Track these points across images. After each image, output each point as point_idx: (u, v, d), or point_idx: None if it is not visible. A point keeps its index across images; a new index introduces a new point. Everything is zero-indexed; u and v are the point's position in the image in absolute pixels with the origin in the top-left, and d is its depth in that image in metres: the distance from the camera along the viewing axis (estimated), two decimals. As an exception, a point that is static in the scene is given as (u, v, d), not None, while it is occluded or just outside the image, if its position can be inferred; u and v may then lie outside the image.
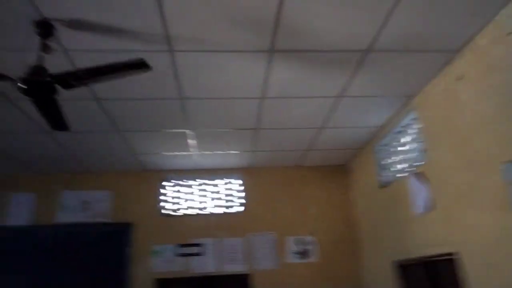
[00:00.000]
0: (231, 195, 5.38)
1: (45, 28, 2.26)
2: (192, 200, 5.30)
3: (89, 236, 4.95)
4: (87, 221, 5.02)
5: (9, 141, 4.10)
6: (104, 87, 2.97)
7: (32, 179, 5.18)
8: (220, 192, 5.39)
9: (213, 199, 5.32)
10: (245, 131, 4.17)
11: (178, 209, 5.25)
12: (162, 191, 5.30)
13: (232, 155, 4.93)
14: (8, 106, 3.32)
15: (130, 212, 5.10)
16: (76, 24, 2.33)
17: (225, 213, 5.26)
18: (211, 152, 4.78)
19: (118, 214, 5.09)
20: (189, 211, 5.24)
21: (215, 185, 5.41)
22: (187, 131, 4.07)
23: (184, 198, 5.31)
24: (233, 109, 3.63)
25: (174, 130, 4.04)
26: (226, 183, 5.43)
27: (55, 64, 2.50)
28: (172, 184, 5.37)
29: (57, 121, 2.57)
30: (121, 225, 5.01)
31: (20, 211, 5.06)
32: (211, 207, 5.28)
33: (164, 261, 4.91)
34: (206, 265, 4.94)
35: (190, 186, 5.38)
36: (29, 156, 4.56)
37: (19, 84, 2.11)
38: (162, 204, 5.23)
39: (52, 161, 4.75)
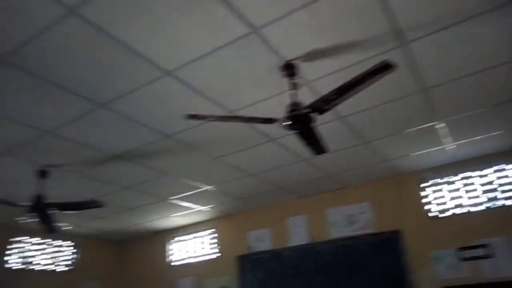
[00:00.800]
0: (508, 183, 4.48)
1: (289, 69, 2.59)
2: (459, 197, 4.73)
3: (361, 248, 5.15)
4: (355, 234, 5.26)
5: (278, 175, 4.86)
6: (342, 105, 3.12)
7: (301, 202, 5.92)
8: (493, 182, 4.59)
9: (485, 192, 4.58)
10: (506, 105, 3.44)
11: (446, 210, 4.78)
12: (422, 193, 4.98)
13: (494, 138, 4.16)
14: (271, 145, 3.96)
15: (394, 220, 5.02)
16: (312, 56, 2.57)
17: (504, 206, 4.41)
18: (468, 140, 4.18)
19: (382, 223, 5.10)
20: (459, 210, 4.68)
21: (484, 176, 4.65)
22: (435, 123, 3.72)
23: (449, 197, 4.80)
24: (484, 84, 3.08)
25: (420, 126, 3.78)
26: (496, 171, 4.58)
27: (306, 97, 2.82)
28: (431, 183, 4.97)
29: (317, 146, 2.85)
30: (389, 233, 4.97)
31: (298, 232, 5.82)
32: (485, 201, 4.54)
33: (448, 267, 4.50)
34: (501, 268, 4.20)
35: (452, 182, 4.83)
36: (293, 183, 5.24)
37: (284, 122, 2.47)
38: (427, 207, 4.90)
39: (314, 184, 5.30)
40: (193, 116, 2.42)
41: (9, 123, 3.13)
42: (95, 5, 2.05)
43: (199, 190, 5.22)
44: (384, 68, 1.97)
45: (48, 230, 4.13)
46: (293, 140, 3.82)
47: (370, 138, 3.98)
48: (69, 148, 3.66)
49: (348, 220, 5.42)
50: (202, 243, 6.95)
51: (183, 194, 5.37)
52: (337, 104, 2.32)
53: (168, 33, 2.29)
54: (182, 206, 5.91)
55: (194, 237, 7.08)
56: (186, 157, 4.12)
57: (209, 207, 6.15)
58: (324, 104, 2.31)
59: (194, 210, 6.22)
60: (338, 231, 5.44)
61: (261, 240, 6.17)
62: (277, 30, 2.33)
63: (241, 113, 3.25)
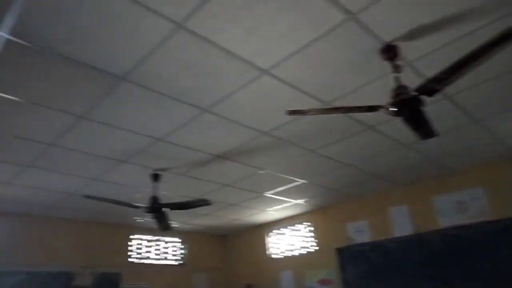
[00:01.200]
0: None
1: (390, 52, 2.46)
2: None
3: (475, 238, 4.70)
4: (467, 222, 4.82)
5: (376, 164, 4.67)
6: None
7: (403, 191, 5.62)
8: None
9: None
10: None
11: None
12: (549, 173, 4.37)
13: None
14: (369, 133, 3.81)
15: (515, 206, 4.48)
16: (413, 35, 2.41)
17: None
18: None
19: (500, 210, 4.59)
20: None
21: None
22: None
23: None
24: None
25: (546, 97, 3.30)
26: None
27: (406, 78, 2.66)
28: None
29: (426, 130, 2.67)
30: (509, 221, 4.45)
31: (401, 222, 5.53)
32: None
33: None
34: None
35: None
36: (393, 171, 4.99)
37: (390, 108, 2.36)
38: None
39: (415, 171, 4.99)
40: (294, 112, 2.44)
41: (128, 134, 3.51)
42: (199, 17, 2.18)
43: (294, 183, 5.27)
44: (508, 36, 1.75)
45: (163, 228, 4.53)
46: (393, 126, 3.64)
47: (481, 116, 3.60)
48: (177, 152, 3.98)
49: (458, 207, 4.99)
50: (300, 236, 7.02)
51: (279, 189, 5.48)
52: (450, 83, 2.14)
53: (265, 32, 2.34)
54: (278, 200, 6.03)
55: (292, 230, 7.19)
56: (282, 152, 4.19)
57: (305, 200, 6.17)
58: (435, 84, 2.14)
59: (290, 203, 6.30)
60: (447, 220, 5.05)
61: (360, 231, 6.01)
62: (375, 13, 2.23)
63: (339, 102, 3.19)
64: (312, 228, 6.80)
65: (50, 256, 5.87)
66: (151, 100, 2.99)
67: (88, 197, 3.84)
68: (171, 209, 4.13)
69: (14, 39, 2.24)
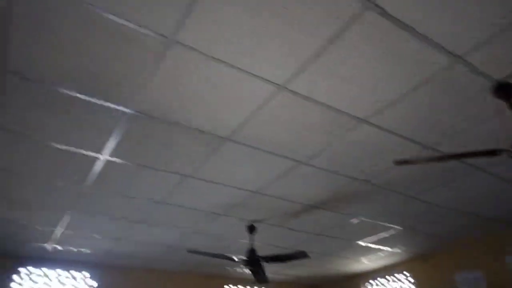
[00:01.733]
0: None
1: (504, 90, 2.28)
2: None
3: None
4: None
5: (486, 205, 4.21)
6: None
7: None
8: None
9: None
10: None
11: None
12: None
13: None
14: (481, 175, 3.48)
15: None
16: (530, 69, 2.22)
17: None
18: None
19: None
20: None
21: None
22: None
23: None
24: None
25: None
26: None
27: (527, 116, 2.43)
28: None
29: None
30: None
31: (525, 273, 4.79)
32: None
33: None
34: None
35: None
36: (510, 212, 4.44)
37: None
38: None
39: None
40: (402, 162, 2.34)
41: (228, 188, 3.66)
42: (300, 78, 2.27)
43: (390, 231, 4.94)
44: None
45: (260, 281, 4.51)
46: (509, 166, 3.29)
47: None
48: (272, 203, 4.02)
49: None
50: (400, 287, 6.44)
51: (372, 236, 5.17)
52: None
53: (362, 81, 2.34)
54: (373, 248, 5.67)
55: (391, 281, 6.64)
56: (378, 199, 4.00)
57: (403, 249, 5.72)
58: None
59: (386, 252, 5.88)
60: None
61: (473, 284, 5.32)
62: (483, 53, 2.11)
63: (444, 146, 3.01)
64: (412, 280, 6.21)
65: (152, 307, 6.14)
66: (251, 156, 3.12)
67: (191, 251, 4.01)
68: (269, 262, 4.11)
69: (140, 114, 2.55)
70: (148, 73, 2.21)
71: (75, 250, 5.33)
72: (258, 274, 4.39)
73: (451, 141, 2.95)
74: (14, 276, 5.29)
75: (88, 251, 5.40)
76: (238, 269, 6.64)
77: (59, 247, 5.22)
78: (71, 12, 1.82)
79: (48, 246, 5.16)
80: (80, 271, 5.77)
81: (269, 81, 2.30)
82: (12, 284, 5.22)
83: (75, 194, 3.68)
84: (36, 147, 2.90)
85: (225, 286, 6.99)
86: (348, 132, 2.83)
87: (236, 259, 4.15)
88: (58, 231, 4.63)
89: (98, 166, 3.20)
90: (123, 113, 2.53)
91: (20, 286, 5.27)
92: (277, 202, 3.99)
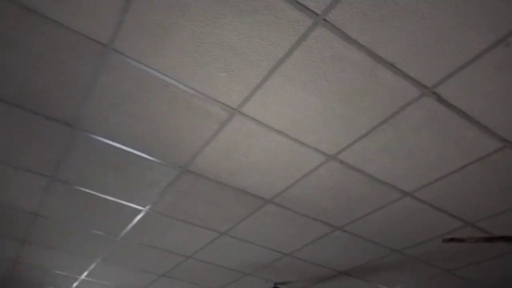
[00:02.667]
0: None
1: (553, 175, 2.31)
2: None
3: None
4: None
5: (525, 287, 4.04)
6: None
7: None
8: None
9: None
10: None
11: None
12: None
13: None
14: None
15: None
16: None
17: None
18: None
19: None
20: None
21: None
22: None
23: None
24: None
25: None
26: None
27: None
28: None
29: None
30: None
31: None
32: None
33: None
34: None
35: None
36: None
37: None
38: None
39: None
40: (451, 240, 2.33)
41: (260, 248, 3.64)
42: (351, 151, 2.36)
43: (422, 304, 4.74)
44: None
45: None
46: (551, 248, 3.22)
47: None
48: (301, 267, 3.95)
49: None
50: None
51: (402, 309, 4.95)
52: None
53: (414, 159, 2.41)
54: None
55: None
56: (412, 270, 3.89)
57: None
58: None
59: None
60: None
61: None
62: (535, 139, 2.18)
63: (484, 223, 2.98)
64: None
65: None
66: (290, 219, 3.13)
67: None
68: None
69: (191, 172, 2.64)
70: (207, 138, 2.33)
71: (91, 297, 5.23)
72: None
73: (491, 220, 2.93)
74: (28, 322, 5.17)
75: (103, 299, 5.29)
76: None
77: (76, 294, 5.13)
78: (154, 88, 1.98)
79: (66, 292, 5.09)
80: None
81: (321, 152, 2.39)
82: (24, 330, 5.09)
83: (108, 244, 3.71)
84: (87, 197, 2.99)
85: None
86: (391, 204, 2.86)
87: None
88: (81, 278, 4.59)
89: (138, 218, 3.25)
90: (176, 170, 2.63)
91: (32, 333, 5.12)
92: (307, 265, 3.92)
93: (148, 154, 2.50)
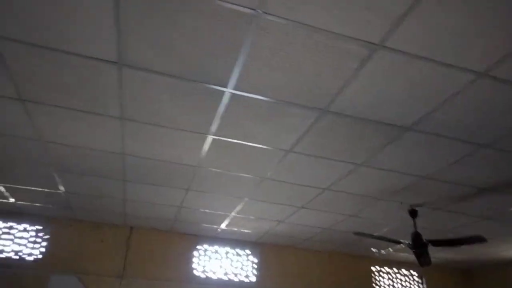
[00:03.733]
0: None
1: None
2: None
3: None
4: None
5: None
6: None
7: None
8: None
9: None
10: None
11: None
12: None
13: None
14: None
15: None
16: None
17: None
18: None
19: None
20: None
21: None
22: None
23: None
24: None
25: None
26: None
27: None
28: None
29: None
30: None
31: None
32: None
33: None
34: None
35: None
36: None
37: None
38: None
39: None
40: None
41: (395, 174, 3.75)
42: (505, 63, 2.22)
43: None
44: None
45: (424, 263, 4.52)
46: None
47: None
48: (438, 188, 3.97)
49: None
50: None
51: (553, 220, 4.68)
52: None
53: None
54: (550, 233, 5.13)
55: None
56: None
57: None
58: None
59: None
60: None
61: None
62: None
63: None
64: None
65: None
66: (431, 144, 3.14)
67: (358, 234, 4.23)
68: (437, 246, 4.09)
69: (332, 112, 2.79)
70: (348, 78, 2.42)
71: (237, 230, 6.06)
72: (423, 257, 4.40)
73: None
74: (194, 252, 6.29)
75: (248, 231, 6.08)
76: (383, 252, 6.69)
77: (225, 228, 5.99)
78: (299, 39, 2.11)
79: (218, 228, 5.98)
80: (243, 249, 6.55)
81: (470, 70, 2.30)
82: (193, 259, 6.23)
83: (255, 185, 4.21)
84: (239, 148, 3.41)
85: (371, 267, 7.13)
86: (549, 113, 2.65)
87: (402, 242, 4.24)
88: (232, 215, 5.33)
89: (280, 159, 3.60)
90: (317, 113, 2.82)
91: (199, 260, 6.24)
92: (446, 186, 3.92)
93: (291, 102, 2.71)
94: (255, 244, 6.67)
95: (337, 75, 2.41)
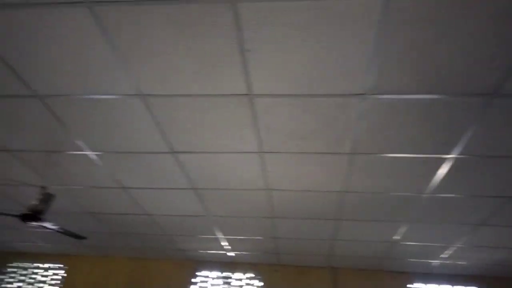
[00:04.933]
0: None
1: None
2: None
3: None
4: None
5: None
6: None
7: None
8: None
9: None
10: None
11: None
12: None
13: None
14: None
15: None
16: None
17: None
18: None
19: None
20: None
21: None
22: None
23: None
24: None
25: None
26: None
27: None
28: None
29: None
30: None
31: None
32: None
33: None
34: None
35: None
36: None
37: None
38: None
39: None
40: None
41: None
42: None
43: None
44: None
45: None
46: None
47: None
48: None
49: None
50: None
51: None
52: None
53: None
54: None
55: None
56: None
57: None
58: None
59: None
60: None
61: None
62: None
63: None
64: None
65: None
66: None
67: None
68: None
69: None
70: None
71: (459, 263, 5.25)
72: None
73: None
74: None
75: (466, 263, 5.22)
76: None
77: (445, 262, 5.27)
78: None
79: (434, 262, 5.30)
80: (467, 285, 5.66)
81: None
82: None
83: (414, 202, 3.64)
84: (387, 162, 2.98)
85: None
86: None
87: None
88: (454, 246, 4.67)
89: (442, 169, 3.03)
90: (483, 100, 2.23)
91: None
92: None
93: (447, 95, 2.26)
94: (482, 278, 5.66)
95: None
